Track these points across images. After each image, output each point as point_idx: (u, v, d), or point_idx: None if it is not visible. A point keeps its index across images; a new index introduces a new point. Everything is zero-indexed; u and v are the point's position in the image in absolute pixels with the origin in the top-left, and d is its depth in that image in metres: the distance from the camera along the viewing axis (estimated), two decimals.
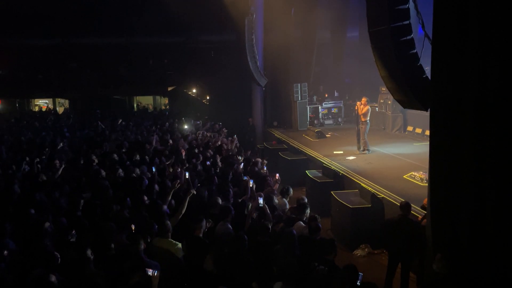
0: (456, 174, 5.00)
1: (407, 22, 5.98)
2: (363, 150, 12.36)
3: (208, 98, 25.74)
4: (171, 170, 8.86)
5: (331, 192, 9.39)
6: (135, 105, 29.61)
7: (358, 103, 12.36)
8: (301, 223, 6.27)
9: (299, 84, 17.50)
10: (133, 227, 5.61)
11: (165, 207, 6.54)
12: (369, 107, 12.26)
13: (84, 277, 4.48)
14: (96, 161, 9.60)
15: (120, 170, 8.61)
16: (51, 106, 28.99)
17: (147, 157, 9.95)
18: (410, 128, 15.42)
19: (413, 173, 9.67)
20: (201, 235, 5.61)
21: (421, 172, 9.41)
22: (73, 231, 5.44)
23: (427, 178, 6.31)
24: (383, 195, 8.54)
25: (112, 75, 26.67)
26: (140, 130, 15.50)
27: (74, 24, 24.03)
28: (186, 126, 16.38)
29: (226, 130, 15.49)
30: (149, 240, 5.41)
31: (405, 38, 5.98)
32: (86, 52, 26.25)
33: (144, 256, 4.86)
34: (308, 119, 17.98)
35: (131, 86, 26.72)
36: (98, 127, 16.19)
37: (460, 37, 4.81)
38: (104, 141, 12.76)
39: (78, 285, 4.39)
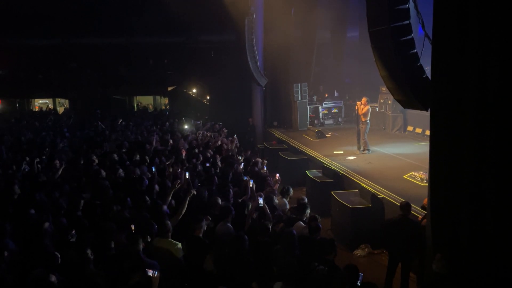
0: (456, 174, 4.99)
1: (407, 22, 5.97)
2: (363, 150, 12.36)
3: (208, 98, 25.71)
4: (171, 170, 8.85)
5: (331, 192, 9.40)
6: (135, 105, 29.56)
7: (358, 103, 12.37)
8: (301, 223, 6.27)
9: (299, 84, 17.49)
10: (133, 227, 5.61)
11: (165, 207, 6.53)
12: (369, 107, 12.26)
13: (84, 277, 4.48)
14: (96, 161, 9.59)
15: (120, 170, 8.60)
16: (51, 106, 28.98)
17: (147, 157, 9.93)
18: (410, 128, 15.42)
19: (413, 173, 9.67)
20: (201, 235, 5.61)
21: (421, 172, 9.41)
22: (73, 231, 5.43)
23: (427, 178, 6.31)
24: (383, 195, 8.55)
25: (112, 75, 26.61)
26: (140, 130, 15.48)
27: (74, 24, 23.99)
28: (186, 126, 16.37)
29: (226, 130, 15.46)
30: (149, 240, 5.41)
31: (405, 38, 5.98)
32: (86, 52, 26.23)
33: (144, 256, 4.85)
34: (308, 119, 17.98)
35: (131, 86, 26.67)
36: (98, 127, 16.18)
37: (460, 37, 4.81)
38: (104, 141, 12.75)
39: (78, 285, 4.39)
